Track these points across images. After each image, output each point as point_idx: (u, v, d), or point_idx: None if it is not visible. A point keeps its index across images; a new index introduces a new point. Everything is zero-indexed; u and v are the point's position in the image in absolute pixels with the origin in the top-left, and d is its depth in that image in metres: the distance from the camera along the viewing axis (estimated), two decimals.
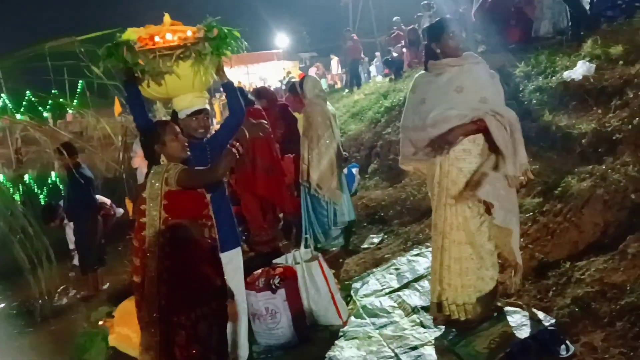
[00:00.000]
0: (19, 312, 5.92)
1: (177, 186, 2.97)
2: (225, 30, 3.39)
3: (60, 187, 9.69)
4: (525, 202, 4.49)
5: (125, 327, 4.00)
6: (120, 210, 7.11)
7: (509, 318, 3.46)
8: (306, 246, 4.42)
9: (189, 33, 3.36)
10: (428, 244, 4.99)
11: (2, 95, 31.25)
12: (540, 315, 3.36)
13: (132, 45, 3.31)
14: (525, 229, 4.20)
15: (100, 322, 4.40)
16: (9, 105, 28.40)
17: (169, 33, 3.39)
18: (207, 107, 3.62)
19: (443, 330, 3.66)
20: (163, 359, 2.89)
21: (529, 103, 5.63)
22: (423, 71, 3.55)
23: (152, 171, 3.03)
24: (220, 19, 3.47)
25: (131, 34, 3.35)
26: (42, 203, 11.26)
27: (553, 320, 3.26)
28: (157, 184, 2.97)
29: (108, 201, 6.81)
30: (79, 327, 4.94)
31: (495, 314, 3.53)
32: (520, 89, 5.97)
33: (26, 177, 14.51)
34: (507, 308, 3.56)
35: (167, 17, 3.39)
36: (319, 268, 4.22)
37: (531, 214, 4.36)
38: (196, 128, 3.56)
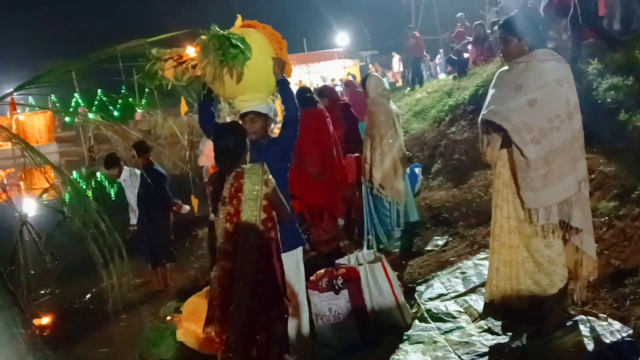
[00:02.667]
0: (92, 306, 6.18)
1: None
2: (216, 40, 3.36)
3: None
4: (601, 205, 4.29)
5: (192, 323, 4.08)
6: (187, 207, 7.28)
7: (582, 327, 3.31)
8: (369, 247, 4.37)
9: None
10: None
11: (75, 94, 32.88)
12: (617, 325, 3.20)
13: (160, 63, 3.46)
14: (600, 234, 4.01)
15: (169, 318, 4.52)
16: (82, 104, 29.76)
17: (191, 47, 3.51)
18: (257, 109, 3.62)
19: (512, 336, 3.54)
20: (243, 358, 2.93)
21: (602, 102, 5.37)
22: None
23: (244, 172, 3.01)
24: (254, 17, 3.51)
25: (155, 52, 3.48)
26: (113, 199, 11.74)
27: (631, 331, 3.10)
28: (256, 186, 2.98)
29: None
30: (148, 322, 5.10)
31: (568, 323, 3.39)
32: (594, 87, 5.70)
33: (98, 175, 15.14)
34: (581, 317, 3.40)
35: (239, 19, 3.44)
36: (383, 270, 4.17)
37: (606, 218, 4.16)
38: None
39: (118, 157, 6.42)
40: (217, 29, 3.42)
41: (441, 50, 21.09)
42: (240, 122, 3.61)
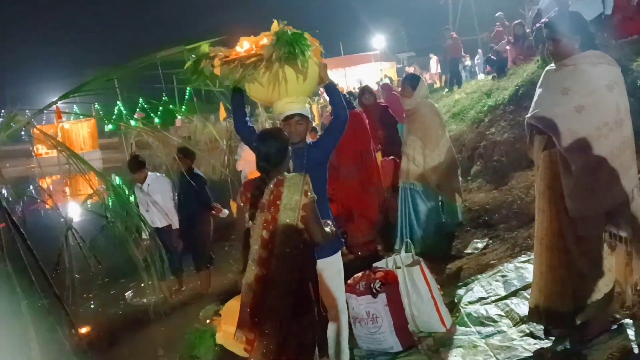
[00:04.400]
0: (134, 309, 6.29)
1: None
2: (292, 36, 3.29)
3: None
4: None
5: (231, 326, 4.11)
6: (226, 212, 7.36)
7: (629, 331, 3.20)
8: (407, 250, 4.32)
9: (265, 40, 3.37)
10: None
11: (118, 102, 33.71)
12: None
13: (209, 59, 3.42)
14: None
15: (209, 320, 4.56)
16: (124, 112, 30.51)
17: (246, 42, 3.46)
18: (302, 111, 3.58)
19: (555, 341, 3.45)
20: None
21: None
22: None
23: (285, 181, 2.99)
24: (290, 22, 3.47)
25: (205, 48, 3.45)
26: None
27: None
28: (295, 195, 2.96)
29: None
30: (189, 324, 5.16)
31: (613, 327, 3.28)
32: (639, 84, 5.52)
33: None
34: (627, 321, 3.29)
35: (275, 24, 3.44)
36: (421, 273, 4.13)
37: None
38: (288, 133, 3.60)
39: (143, 160, 6.37)
40: (281, 24, 3.39)
41: (480, 51, 20.79)
42: (282, 124, 3.60)
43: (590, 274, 3.20)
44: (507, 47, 11.78)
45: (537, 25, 7.60)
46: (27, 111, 4.55)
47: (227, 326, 4.11)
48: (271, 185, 3.00)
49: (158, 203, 6.04)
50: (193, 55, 3.45)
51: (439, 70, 22.50)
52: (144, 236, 5.31)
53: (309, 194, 3.00)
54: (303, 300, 3.07)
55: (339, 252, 3.66)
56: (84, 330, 5.44)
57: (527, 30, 10.61)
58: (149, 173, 6.36)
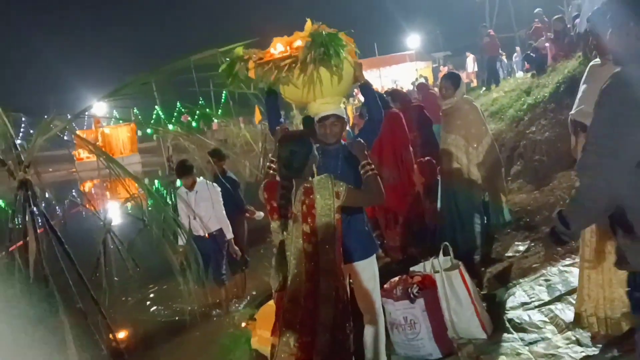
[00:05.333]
0: (170, 312, 6.33)
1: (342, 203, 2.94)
2: (327, 37, 3.23)
3: None
4: None
5: (266, 330, 4.07)
6: (261, 214, 7.34)
7: None
8: (445, 253, 4.20)
9: (299, 42, 3.32)
10: None
11: (156, 107, 34.28)
12: None
13: (243, 62, 3.39)
14: None
15: (244, 324, 4.54)
16: (162, 116, 31.01)
17: (280, 43, 3.41)
18: (338, 112, 3.53)
19: (603, 349, 3.30)
20: None
21: None
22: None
23: (314, 187, 2.93)
24: (323, 22, 3.40)
25: (239, 50, 3.42)
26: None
27: None
28: (328, 201, 2.90)
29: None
30: (224, 329, 5.15)
31: None
32: None
33: (177, 183, 15.63)
34: None
35: (309, 23, 3.38)
36: (460, 277, 4.00)
37: None
38: (324, 134, 3.55)
39: (191, 165, 6.03)
40: (317, 24, 3.35)
41: (517, 48, 20.35)
42: (317, 125, 3.55)
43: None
44: (547, 44, 11.48)
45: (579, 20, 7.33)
46: (68, 117, 4.64)
47: (262, 331, 4.08)
48: (301, 195, 2.93)
49: (202, 211, 5.84)
50: (227, 58, 3.43)
51: (476, 69, 22.11)
52: (180, 242, 5.35)
53: (340, 194, 2.93)
54: (347, 306, 3.03)
55: (374, 256, 3.60)
56: (120, 334, 5.49)
57: (568, 26, 10.30)
58: (199, 179, 6.08)
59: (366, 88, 3.57)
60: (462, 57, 26.33)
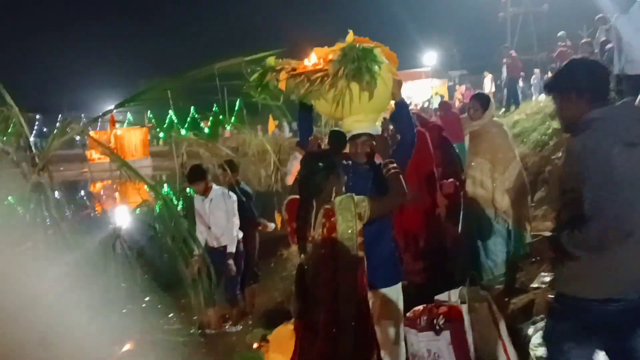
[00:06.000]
0: (178, 325, 6.11)
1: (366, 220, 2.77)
2: (360, 51, 3.06)
3: None
4: None
5: (279, 355, 3.87)
6: (272, 225, 7.16)
7: None
8: (473, 283, 3.98)
9: (332, 56, 3.16)
10: None
11: (170, 111, 34.40)
12: None
13: (275, 72, 3.26)
14: None
15: (255, 345, 4.34)
16: (175, 121, 31.10)
17: (315, 54, 3.26)
18: (371, 131, 3.37)
19: None
20: None
21: None
22: None
23: (335, 209, 2.77)
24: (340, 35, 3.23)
25: (271, 60, 3.27)
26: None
27: None
28: (350, 223, 2.73)
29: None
30: (234, 348, 4.93)
31: None
32: None
33: (188, 190, 15.51)
34: None
35: (351, 34, 3.21)
36: (488, 310, 3.78)
37: None
38: (354, 153, 3.39)
39: (205, 170, 5.75)
40: (353, 37, 3.19)
41: (537, 71, 20.14)
42: (349, 143, 3.38)
43: None
44: None
45: (610, 46, 7.13)
46: (82, 117, 4.52)
47: (276, 355, 3.88)
48: (321, 218, 2.74)
49: (216, 221, 5.63)
50: (257, 67, 3.27)
51: (494, 89, 21.94)
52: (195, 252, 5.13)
53: (363, 215, 2.74)
54: (371, 336, 2.85)
55: (400, 284, 3.39)
56: (125, 347, 5.26)
57: (595, 51, 10.11)
58: (214, 186, 5.81)
59: (401, 106, 3.39)
60: (478, 77, 26.14)
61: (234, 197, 5.77)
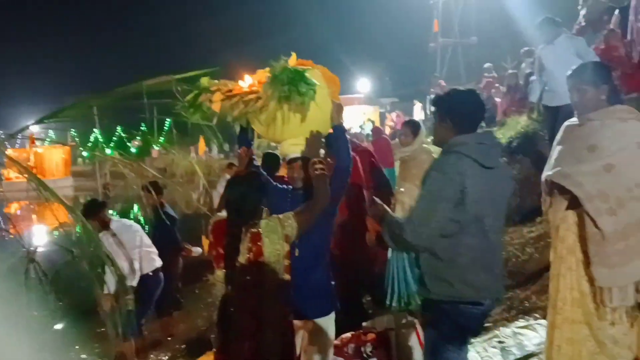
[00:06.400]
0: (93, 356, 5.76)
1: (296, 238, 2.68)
2: (291, 74, 2.99)
3: (142, 223, 9.70)
4: None
5: None
6: (198, 250, 6.93)
7: None
8: (401, 309, 3.95)
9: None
10: (536, 315, 4.42)
11: (95, 130, 33.28)
12: None
13: (209, 93, 3.14)
14: None
15: None
16: (101, 140, 30.07)
17: (250, 76, 3.19)
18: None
19: None
20: None
21: None
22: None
23: (262, 233, 2.67)
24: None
25: (205, 81, 3.17)
26: None
27: None
28: (277, 246, 2.64)
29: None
30: None
31: None
32: None
33: (111, 212, 14.93)
34: None
35: (294, 57, 3.15)
36: (416, 337, 3.76)
37: None
38: (291, 177, 3.29)
39: (99, 204, 5.33)
40: (286, 61, 3.10)
41: None
42: (287, 168, 3.30)
43: (611, 352, 2.88)
44: (497, 99, 11.75)
45: (533, 78, 7.44)
46: (0, 134, 4.19)
47: None
48: (248, 242, 2.63)
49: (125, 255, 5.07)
50: (188, 87, 3.13)
51: (423, 117, 22.56)
52: (106, 290, 4.72)
53: (290, 237, 2.66)
54: None
55: (333, 314, 3.29)
56: None
57: (520, 83, 10.58)
58: (113, 219, 5.35)
59: (337, 132, 3.25)
60: (409, 104, 26.84)
61: (136, 227, 5.40)
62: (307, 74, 3.02)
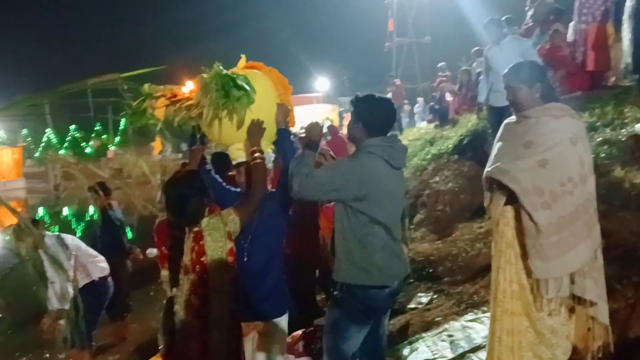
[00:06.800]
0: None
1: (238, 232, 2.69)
2: (221, 78, 2.99)
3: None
4: None
5: None
6: (153, 251, 6.81)
7: None
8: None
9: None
10: (484, 308, 4.52)
11: (47, 130, 32.37)
12: None
13: (153, 99, 3.13)
14: None
15: None
16: (54, 140, 29.22)
17: (191, 82, 3.19)
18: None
19: None
20: None
21: (596, 156, 5.17)
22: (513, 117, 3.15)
23: (204, 229, 2.66)
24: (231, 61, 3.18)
25: (147, 87, 3.15)
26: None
27: None
28: (219, 243, 2.63)
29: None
30: None
31: None
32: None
33: (65, 211, 14.59)
34: None
35: (243, 59, 3.15)
36: None
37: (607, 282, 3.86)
38: (238, 181, 3.27)
39: (27, 226, 4.77)
40: (221, 67, 3.07)
41: (420, 99, 21.20)
42: (235, 172, 3.29)
43: (549, 342, 2.98)
44: (450, 97, 11.95)
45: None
46: None
47: None
48: (191, 242, 2.62)
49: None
50: (135, 84, 3.08)
51: None
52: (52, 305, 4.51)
53: (232, 233, 2.67)
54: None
55: (286, 314, 3.29)
56: None
57: (472, 80, 10.78)
58: (48, 236, 5.00)
59: (282, 134, 3.21)
60: None
61: (71, 242, 5.11)
62: (239, 80, 2.99)
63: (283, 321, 3.27)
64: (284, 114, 3.20)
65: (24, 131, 33.66)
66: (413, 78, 26.71)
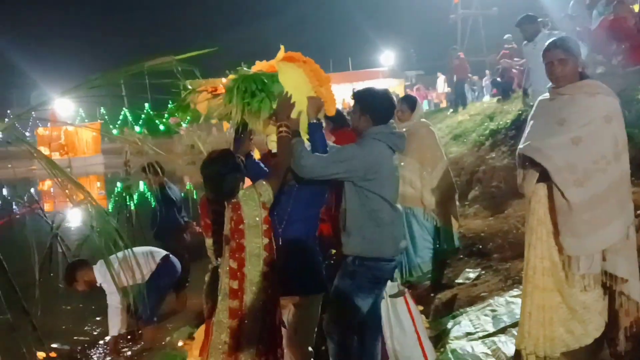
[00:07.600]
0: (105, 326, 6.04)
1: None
2: (247, 79, 3.12)
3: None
4: None
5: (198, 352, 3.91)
6: None
7: None
8: (392, 279, 4.10)
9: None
10: None
11: (124, 109, 33.80)
12: None
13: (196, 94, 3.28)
14: None
15: (180, 344, 4.36)
16: (129, 118, 30.50)
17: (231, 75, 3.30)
18: None
19: None
20: None
21: None
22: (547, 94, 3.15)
23: (240, 199, 2.84)
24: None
25: (193, 84, 3.29)
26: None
27: None
28: (255, 211, 2.84)
29: None
30: (159, 347, 4.91)
31: None
32: None
33: (141, 186, 15.28)
34: None
35: (282, 50, 3.27)
36: (405, 305, 3.90)
37: None
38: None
39: (77, 265, 5.17)
40: (246, 69, 3.22)
41: (487, 72, 20.64)
42: None
43: (582, 317, 3.00)
44: (514, 70, 11.62)
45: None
46: (32, 113, 4.42)
47: (196, 352, 3.91)
48: (229, 212, 2.82)
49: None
50: (191, 67, 3.29)
51: (447, 90, 22.34)
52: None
53: (267, 204, 2.86)
54: (274, 333, 2.92)
55: (321, 295, 3.41)
56: (51, 347, 5.19)
57: None
58: (96, 270, 5.04)
59: (312, 127, 3.27)
60: (434, 77, 26.60)
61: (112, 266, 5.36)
62: (260, 81, 3.11)
63: (313, 302, 3.37)
64: (316, 106, 3.24)
65: (102, 110, 35.42)
66: (479, 51, 25.95)
